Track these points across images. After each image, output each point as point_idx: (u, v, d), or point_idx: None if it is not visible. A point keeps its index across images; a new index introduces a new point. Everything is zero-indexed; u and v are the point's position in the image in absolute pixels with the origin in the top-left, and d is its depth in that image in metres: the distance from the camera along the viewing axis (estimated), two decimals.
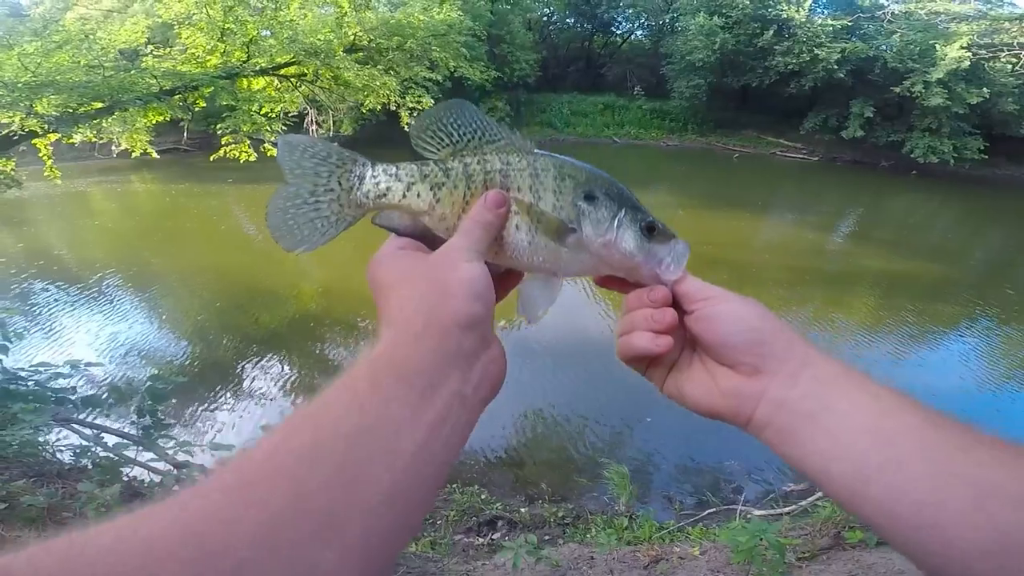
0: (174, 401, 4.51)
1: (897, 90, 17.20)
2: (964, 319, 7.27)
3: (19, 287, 7.04)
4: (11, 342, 2.37)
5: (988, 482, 0.33)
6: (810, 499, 3.28)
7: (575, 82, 25.27)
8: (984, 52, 16.66)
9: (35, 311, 6.38)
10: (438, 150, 0.49)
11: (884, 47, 18.62)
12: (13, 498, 1.88)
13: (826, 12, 20.50)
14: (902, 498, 0.34)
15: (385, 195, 0.49)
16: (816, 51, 18.13)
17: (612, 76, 26.35)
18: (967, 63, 16.13)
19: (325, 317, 6.68)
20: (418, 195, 0.48)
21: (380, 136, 17.61)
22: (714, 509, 3.49)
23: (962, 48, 16.12)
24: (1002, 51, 16.54)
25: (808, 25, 18.60)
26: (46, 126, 5.23)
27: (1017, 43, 16.17)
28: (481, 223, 0.45)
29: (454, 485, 3.71)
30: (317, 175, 0.48)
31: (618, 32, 27.77)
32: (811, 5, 19.25)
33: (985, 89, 16.40)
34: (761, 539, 2.18)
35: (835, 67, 18.01)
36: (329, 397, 0.33)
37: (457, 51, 10.68)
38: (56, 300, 6.71)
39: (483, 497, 3.59)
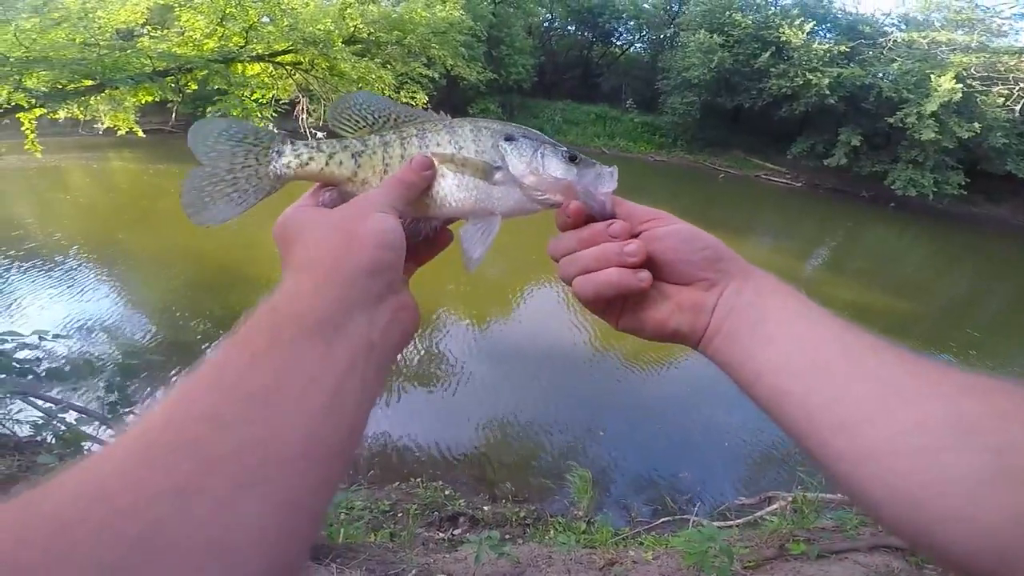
0: (140, 378, 4.48)
1: (891, 120, 17.07)
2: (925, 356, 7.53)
3: None
4: None
5: (891, 379, 0.35)
6: (760, 512, 3.41)
7: (570, 90, 25.40)
8: (978, 84, 16.24)
9: (1, 283, 6.23)
10: (355, 131, 0.52)
11: (881, 75, 18.40)
12: None
13: (828, 37, 20.35)
14: (817, 396, 0.37)
15: (307, 165, 0.49)
16: (809, 75, 17.99)
17: (607, 87, 26.55)
18: (959, 95, 15.88)
19: None
20: (340, 163, 0.49)
21: None
22: (668, 518, 3.58)
23: (954, 79, 15.83)
24: (996, 84, 16.11)
25: (804, 49, 18.41)
26: (33, 101, 5.15)
27: (1012, 76, 15.71)
28: (404, 182, 0.46)
29: (418, 480, 3.74)
30: (234, 155, 0.49)
31: (618, 43, 27.97)
32: (812, 28, 18.94)
33: (976, 124, 16.19)
34: (712, 544, 2.27)
35: (827, 92, 17.82)
36: (227, 357, 0.31)
37: (456, 50, 10.72)
38: (24, 273, 6.55)
39: (447, 493, 3.63)
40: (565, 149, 0.50)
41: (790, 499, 3.35)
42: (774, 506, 3.42)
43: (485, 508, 3.57)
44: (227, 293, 6.70)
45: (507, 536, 3.24)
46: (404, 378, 5.35)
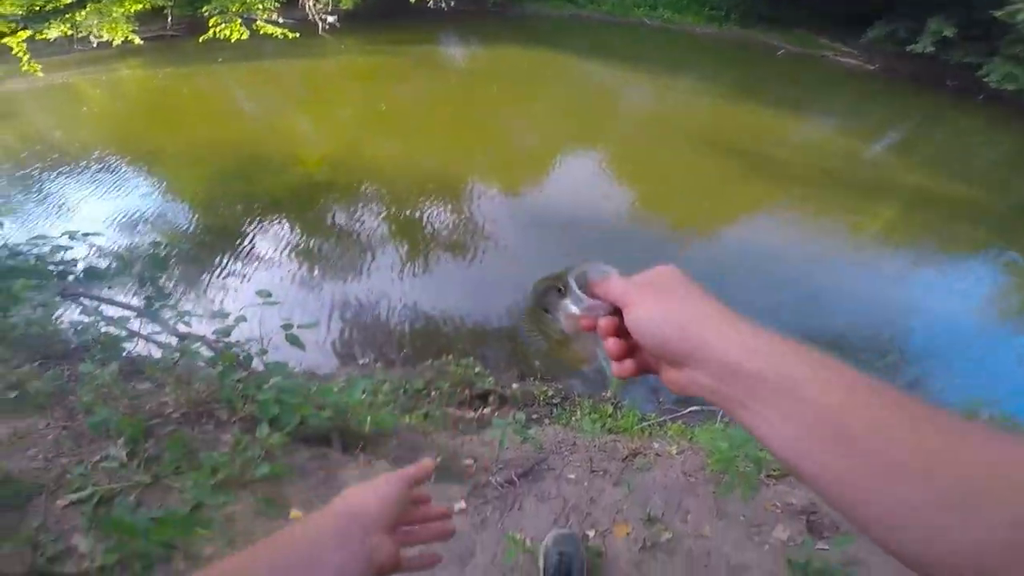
0: (178, 270, 4.63)
1: (998, 14, 14.35)
2: (985, 251, 6.95)
3: (18, 171, 6.87)
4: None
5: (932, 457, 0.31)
6: None
7: None
8: None
9: (34, 192, 6.32)
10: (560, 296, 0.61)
11: None
12: (22, 385, 1.91)
13: None
14: (842, 484, 0.34)
15: None
16: None
17: None
18: None
19: (324, 184, 6.58)
20: None
21: (386, 8, 16.13)
22: (696, 408, 3.53)
23: None
24: None
25: None
26: (14, 24, 4.89)
27: None
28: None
29: (449, 356, 3.74)
30: None
31: None
32: None
33: None
34: (740, 452, 2.17)
35: None
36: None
37: None
38: (55, 181, 6.61)
39: (477, 371, 3.61)
40: (551, 288, 0.58)
41: None
42: None
43: (514, 386, 3.59)
44: (256, 176, 6.69)
45: (534, 416, 3.27)
46: (435, 247, 5.31)
